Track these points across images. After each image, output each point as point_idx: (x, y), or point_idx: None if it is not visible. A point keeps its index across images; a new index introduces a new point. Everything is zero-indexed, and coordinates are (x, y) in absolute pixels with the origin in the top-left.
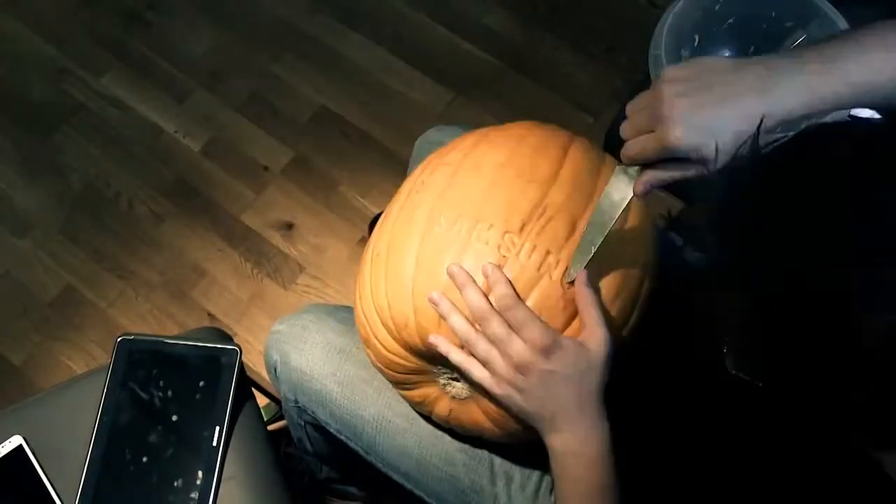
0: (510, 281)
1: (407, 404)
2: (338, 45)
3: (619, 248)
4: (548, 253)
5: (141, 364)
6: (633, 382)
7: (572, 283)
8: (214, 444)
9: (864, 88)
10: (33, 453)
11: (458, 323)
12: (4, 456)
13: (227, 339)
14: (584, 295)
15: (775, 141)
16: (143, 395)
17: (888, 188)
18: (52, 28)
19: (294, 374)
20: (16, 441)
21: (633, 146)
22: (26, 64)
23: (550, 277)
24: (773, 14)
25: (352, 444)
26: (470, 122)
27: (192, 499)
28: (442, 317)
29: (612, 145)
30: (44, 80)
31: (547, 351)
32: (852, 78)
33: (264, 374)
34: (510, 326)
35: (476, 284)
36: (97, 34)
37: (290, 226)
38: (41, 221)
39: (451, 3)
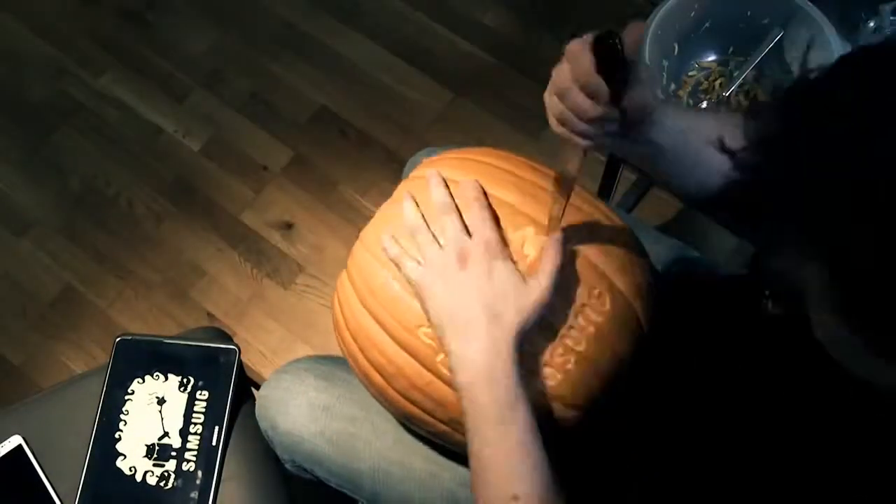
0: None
1: (399, 451)
2: (338, 45)
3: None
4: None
5: (140, 364)
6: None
7: None
8: (214, 443)
9: None
10: (33, 453)
11: (410, 209)
12: (4, 456)
13: (227, 338)
14: (553, 247)
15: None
16: (143, 395)
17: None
18: (52, 28)
19: (285, 439)
20: (15, 441)
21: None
22: (26, 64)
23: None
24: (749, 13)
25: (357, 497)
26: (469, 122)
27: (192, 499)
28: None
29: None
30: (43, 80)
31: (492, 253)
32: None
33: (264, 374)
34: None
35: (445, 184)
36: (97, 34)
37: (289, 225)
38: (41, 221)
39: (450, 2)
